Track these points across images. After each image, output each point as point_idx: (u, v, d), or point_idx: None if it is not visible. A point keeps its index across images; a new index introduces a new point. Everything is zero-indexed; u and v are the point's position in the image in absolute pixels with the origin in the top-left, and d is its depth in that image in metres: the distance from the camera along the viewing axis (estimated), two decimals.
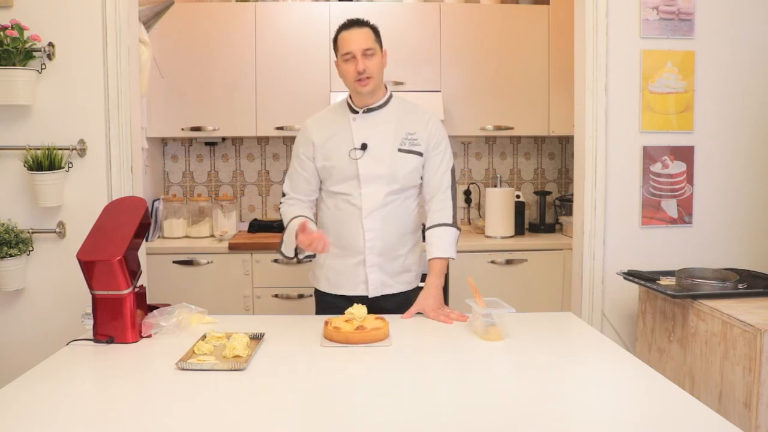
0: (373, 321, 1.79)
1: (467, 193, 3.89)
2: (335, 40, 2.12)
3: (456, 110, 3.51)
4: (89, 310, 1.77)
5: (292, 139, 3.43)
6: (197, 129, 3.44)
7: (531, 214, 3.85)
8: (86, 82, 2.46)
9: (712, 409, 1.31)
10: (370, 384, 1.49)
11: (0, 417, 1.29)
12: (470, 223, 3.87)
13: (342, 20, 2.12)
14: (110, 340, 1.73)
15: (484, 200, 3.71)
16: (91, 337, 1.75)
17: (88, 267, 1.71)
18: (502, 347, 1.72)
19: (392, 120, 2.14)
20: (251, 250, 3.24)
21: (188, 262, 3.23)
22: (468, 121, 3.53)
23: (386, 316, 1.87)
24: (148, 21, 3.26)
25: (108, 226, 1.81)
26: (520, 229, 3.54)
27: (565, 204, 3.69)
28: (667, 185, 2.66)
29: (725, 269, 2.40)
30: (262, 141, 3.80)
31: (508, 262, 3.31)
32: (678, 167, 2.67)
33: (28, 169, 2.39)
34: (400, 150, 2.11)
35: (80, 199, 2.48)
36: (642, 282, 2.39)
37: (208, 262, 3.24)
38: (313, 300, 2.33)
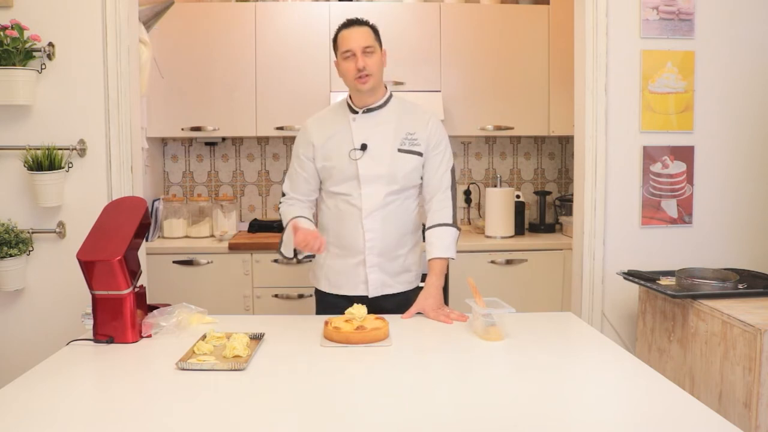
0: (373, 321, 1.79)
1: (467, 193, 3.89)
2: (335, 40, 2.12)
3: (456, 110, 3.51)
4: (89, 310, 1.77)
5: (292, 139, 3.42)
6: (197, 129, 3.44)
7: (531, 214, 3.85)
8: (86, 82, 2.46)
9: (712, 409, 1.31)
10: (370, 384, 1.49)
11: (0, 417, 1.29)
12: (470, 223, 3.87)
13: (342, 20, 2.12)
14: (110, 340, 1.73)
15: (484, 200, 3.71)
16: (91, 337, 1.75)
17: (88, 267, 1.71)
18: (502, 347, 1.72)
19: (392, 120, 2.14)
20: (251, 250, 3.24)
21: (188, 262, 3.23)
22: (468, 121, 3.53)
23: (386, 316, 1.87)
24: (148, 21, 3.26)
25: (108, 226, 1.81)
26: (520, 229, 3.54)
27: (565, 204, 3.69)
28: (667, 185, 2.66)
29: (725, 269, 2.40)
30: (262, 141, 3.81)
31: (508, 262, 3.31)
32: (678, 167, 2.67)
33: (28, 169, 2.39)
34: (399, 150, 2.11)
35: (80, 199, 2.48)
36: (642, 282, 2.39)
37: (208, 262, 3.24)
38: (313, 300, 2.33)
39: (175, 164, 3.79)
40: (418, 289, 2.13)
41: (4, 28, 2.30)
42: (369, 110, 2.13)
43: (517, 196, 3.55)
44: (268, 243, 3.23)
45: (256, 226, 3.56)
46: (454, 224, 2.14)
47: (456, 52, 3.49)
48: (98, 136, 2.48)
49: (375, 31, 2.10)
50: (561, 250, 3.33)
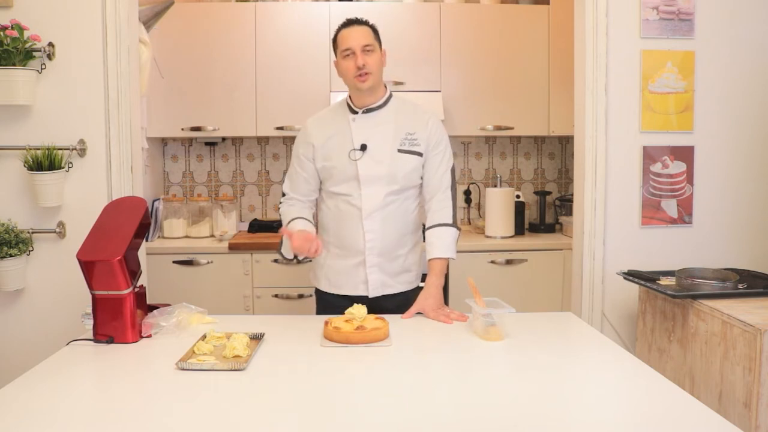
0: (373, 321, 1.79)
1: (467, 193, 3.89)
2: (334, 39, 2.12)
3: (456, 110, 3.51)
4: (89, 310, 1.77)
5: (292, 139, 3.42)
6: (197, 129, 3.44)
7: (531, 214, 3.85)
8: (86, 82, 2.46)
9: (712, 409, 1.31)
10: (370, 384, 1.49)
11: (0, 417, 1.29)
12: (470, 223, 3.87)
13: (342, 20, 2.12)
14: (110, 340, 1.73)
15: (484, 200, 3.71)
16: (91, 337, 1.75)
17: (88, 267, 1.71)
18: (502, 347, 1.72)
19: (392, 120, 2.13)
20: (251, 250, 3.24)
21: (188, 262, 3.23)
22: (468, 121, 3.53)
23: (386, 316, 1.87)
24: (148, 21, 3.26)
25: (108, 226, 1.81)
26: (520, 229, 3.54)
27: (565, 204, 3.69)
28: (667, 185, 2.66)
29: (725, 269, 2.40)
30: (262, 141, 3.81)
31: (508, 262, 3.31)
32: (678, 167, 2.67)
33: (28, 169, 2.39)
34: (399, 150, 2.11)
35: (80, 199, 2.48)
36: (642, 282, 2.39)
37: (208, 262, 3.24)
38: (313, 300, 2.33)
39: (175, 164, 3.79)
40: (418, 289, 2.13)
41: (4, 28, 2.30)
42: (369, 110, 2.13)
43: (517, 196, 3.55)
44: (268, 243, 3.23)
45: (256, 226, 3.56)
46: (454, 224, 2.14)
47: (456, 52, 3.49)
48: (98, 136, 2.48)
49: (375, 30, 2.10)
50: (561, 250, 3.33)
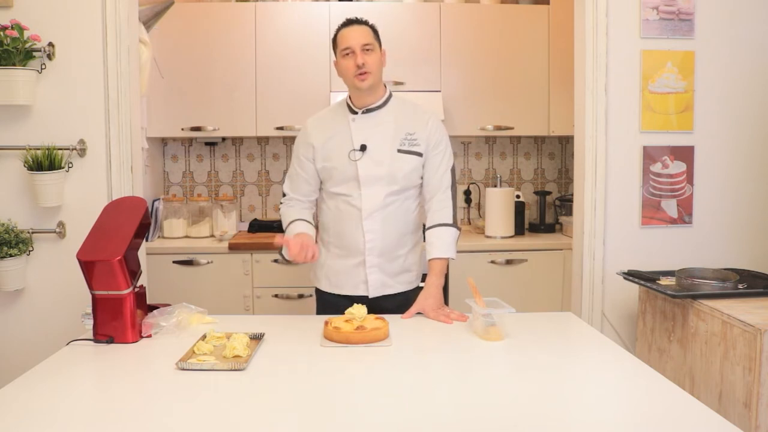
0: (373, 321, 1.79)
1: (467, 193, 3.89)
2: (334, 39, 2.12)
3: (456, 110, 3.51)
4: (89, 310, 1.77)
5: (292, 139, 3.42)
6: (197, 129, 3.44)
7: (531, 214, 3.85)
8: (86, 82, 2.46)
9: (712, 409, 1.31)
10: (370, 384, 1.49)
11: (0, 417, 1.29)
12: (470, 223, 3.87)
13: (342, 20, 2.12)
14: (110, 340, 1.73)
15: (484, 200, 3.71)
16: (91, 337, 1.75)
17: (88, 267, 1.71)
18: (502, 347, 1.72)
19: (391, 120, 2.13)
20: (251, 250, 3.24)
21: (188, 262, 3.23)
22: (468, 121, 3.53)
23: (386, 316, 1.87)
24: (148, 21, 3.26)
25: (108, 226, 1.81)
26: (520, 229, 3.54)
27: (565, 204, 3.69)
28: (667, 185, 2.66)
29: (725, 269, 2.40)
30: (262, 141, 3.81)
31: (508, 262, 3.31)
32: (678, 167, 2.67)
33: (28, 169, 2.39)
34: (399, 151, 2.11)
35: (80, 199, 2.48)
36: (642, 282, 2.39)
37: (208, 262, 3.24)
38: (313, 300, 2.33)
39: (175, 164, 3.79)
40: (419, 289, 2.13)
41: (4, 28, 2.30)
42: (368, 110, 2.13)
43: (517, 196, 3.55)
44: (268, 243, 3.22)
45: (256, 226, 3.56)
46: (454, 224, 2.14)
47: (456, 52, 3.49)
48: (98, 136, 2.48)
49: (374, 30, 2.10)
50: (561, 250, 3.33)
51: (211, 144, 3.77)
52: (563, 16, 3.44)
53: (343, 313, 1.85)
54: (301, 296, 3.25)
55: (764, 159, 2.71)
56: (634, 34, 2.61)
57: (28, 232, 2.45)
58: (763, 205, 2.73)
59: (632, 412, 1.34)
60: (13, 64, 2.33)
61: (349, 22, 2.09)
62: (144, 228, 1.87)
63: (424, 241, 2.18)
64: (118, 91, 2.47)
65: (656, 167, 2.65)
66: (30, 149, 2.39)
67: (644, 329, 2.46)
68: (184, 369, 1.53)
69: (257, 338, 1.75)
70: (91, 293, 1.74)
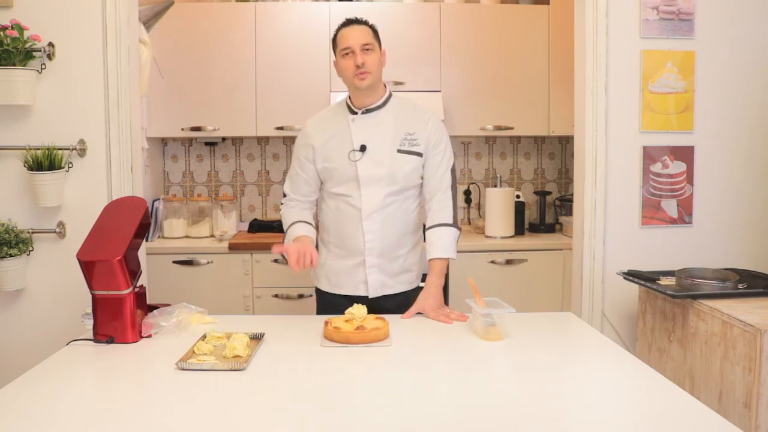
0: (373, 321, 1.79)
1: (467, 193, 3.89)
2: (334, 39, 2.12)
3: (456, 110, 3.51)
4: (89, 310, 1.77)
5: (292, 139, 3.42)
6: (197, 129, 3.44)
7: (531, 214, 3.85)
8: (86, 82, 2.46)
9: (712, 409, 1.31)
10: (370, 384, 1.49)
11: (0, 417, 1.29)
12: (470, 223, 3.87)
13: (342, 20, 2.12)
14: (110, 340, 1.73)
15: (484, 200, 3.71)
16: (91, 337, 1.75)
17: (88, 267, 1.71)
18: (502, 347, 1.72)
19: (391, 120, 2.13)
20: (251, 250, 3.24)
21: (188, 262, 3.23)
22: (468, 121, 3.53)
23: (386, 316, 1.87)
24: (148, 21, 3.26)
25: (108, 226, 1.81)
26: (520, 229, 3.54)
27: (565, 204, 3.69)
28: (667, 185, 2.66)
29: (725, 269, 2.40)
30: (262, 141, 3.80)
31: (508, 262, 3.31)
32: (678, 167, 2.67)
33: (28, 169, 2.39)
34: (399, 151, 2.11)
35: (80, 199, 2.48)
36: (642, 282, 2.38)
37: (208, 262, 3.24)
38: (313, 300, 2.33)
39: (175, 164, 3.79)
40: (419, 289, 2.13)
41: (4, 28, 2.30)
42: (368, 111, 2.13)
43: (517, 196, 3.55)
44: (268, 243, 3.22)
45: (256, 226, 3.56)
46: (454, 224, 2.14)
47: (456, 52, 3.49)
48: (98, 136, 2.48)
49: (374, 30, 2.10)
50: (561, 250, 3.33)
51: (211, 144, 3.77)
52: (563, 16, 3.44)
53: (343, 313, 1.85)
54: (301, 296, 3.25)
55: (764, 159, 2.71)
56: (634, 34, 2.61)
57: (28, 232, 2.45)
58: (763, 205, 2.73)
59: (632, 412, 1.34)
60: (13, 64, 2.33)
61: (348, 22, 2.09)
62: (144, 228, 1.87)
63: (425, 241, 2.18)
64: (118, 91, 2.47)
65: (656, 167, 2.65)
66: (30, 149, 2.39)
67: (644, 329, 2.46)
68: (184, 369, 1.53)
69: (257, 338, 1.75)
70: (91, 293, 1.74)
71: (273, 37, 3.42)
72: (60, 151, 2.41)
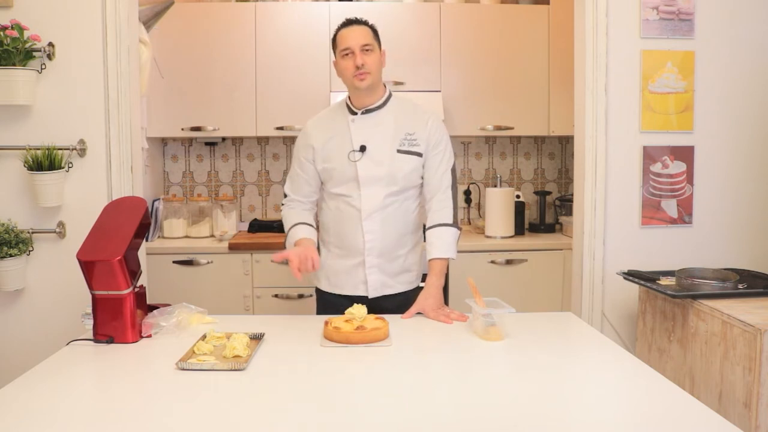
0: (373, 321, 1.79)
1: (467, 193, 3.89)
2: (334, 39, 2.12)
3: (456, 110, 3.51)
4: (89, 310, 1.77)
5: (292, 139, 3.42)
6: (197, 129, 3.44)
7: (531, 214, 3.85)
8: (86, 82, 2.46)
9: (712, 409, 1.31)
10: (370, 384, 1.49)
11: (0, 417, 1.29)
12: (470, 223, 3.87)
13: (342, 20, 2.12)
14: (110, 340, 1.73)
15: (484, 200, 3.71)
16: (91, 337, 1.75)
17: (88, 267, 1.71)
18: (502, 347, 1.72)
19: (391, 120, 2.13)
20: (251, 250, 3.24)
21: (188, 262, 3.23)
22: (468, 121, 3.53)
23: (386, 316, 1.87)
24: (148, 21, 3.26)
25: (108, 226, 1.81)
26: (520, 229, 3.54)
27: (565, 204, 3.69)
28: (667, 185, 2.66)
29: (725, 269, 2.40)
30: (262, 141, 3.80)
31: (508, 262, 3.31)
32: (678, 167, 2.67)
33: (28, 169, 2.39)
34: (399, 151, 2.11)
35: (80, 199, 2.48)
36: (642, 282, 2.38)
37: (208, 262, 3.24)
38: (313, 300, 2.33)
39: (175, 164, 3.79)
40: (419, 289, 2.13)
41: (4, 28, 2.30)
42: (368, 111, 2.13)
43: (517, 196, 3.55)
44: (268, 243, 3.23)
45: (256, 226, 3.56)
46: (454, 224, 2.14)
47: (456, 52, 3.49)
48: (98, 136, 2.48)
49: (374, 30, 2.10)
50: (561, 250, 3.33)
51: (211, 144, 3.77)
52: (563, 16, 3.44)
53: (343, 313, 1.85)
54: (301, 296, 3.25)
55: (764, 159, 2.71)
56: (634, 34, 2.61)
57: (28, 232, 2.45)
58: (763, 205, 2.73)
59: (632, 412, 1.34)
60: (13, 64, 2.33)
61: (348, 23, 2.09)
62: (144, 228, 1.87)
63: (425, 241, 2.18)
64: (118, 91, 2.47)
65: (656, 167, 2.65)
66: (30, 149, 2.39)
67: (644, 329, 2.46)
68: (184, 369, 1.53)
69: (257, 338, 1.75)
70: (91, 293, 1.74)
71: (273, 37, 3.42)
72: (60, 151, 2.41)
